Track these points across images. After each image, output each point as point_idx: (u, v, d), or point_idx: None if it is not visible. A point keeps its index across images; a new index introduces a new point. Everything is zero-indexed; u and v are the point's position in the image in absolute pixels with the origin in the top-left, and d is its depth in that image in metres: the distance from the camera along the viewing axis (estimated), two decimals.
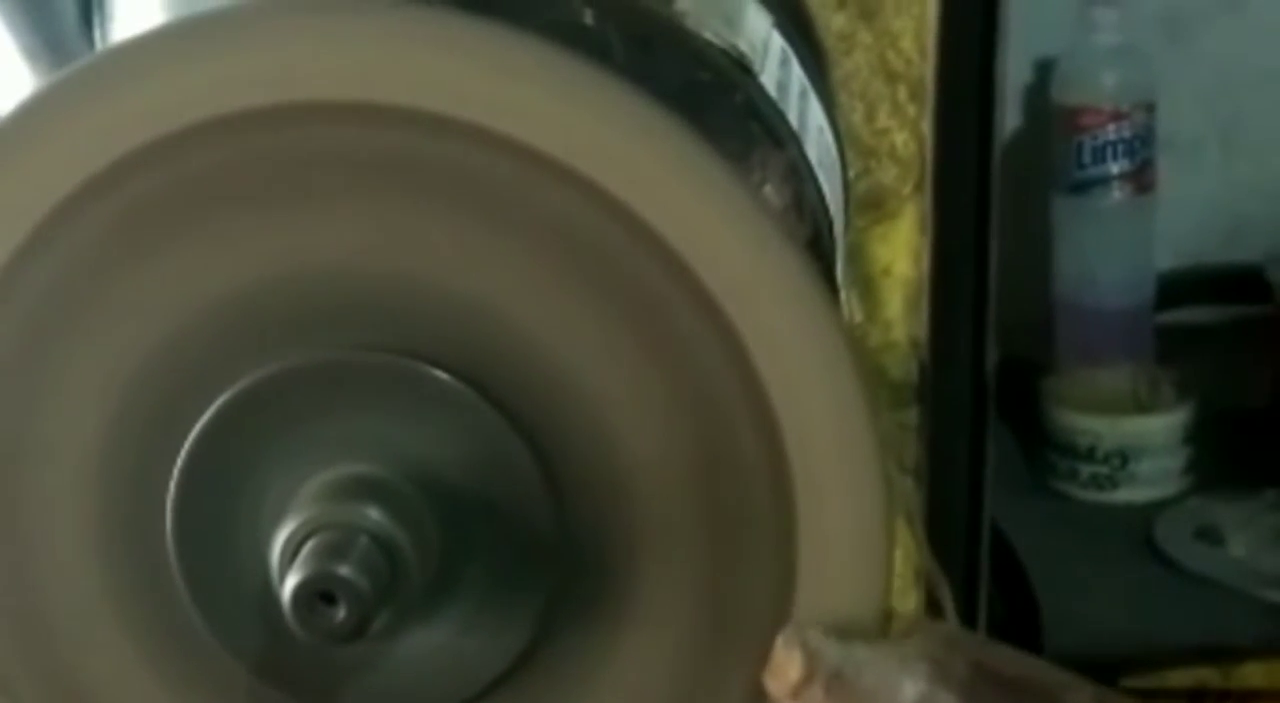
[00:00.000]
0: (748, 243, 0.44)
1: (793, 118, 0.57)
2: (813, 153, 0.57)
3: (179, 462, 0.46)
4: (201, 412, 0.46)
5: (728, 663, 0.47)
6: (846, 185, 0.65)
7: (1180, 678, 1.19)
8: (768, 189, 0.53)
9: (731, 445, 0.45)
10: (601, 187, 0.44)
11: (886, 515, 0.46)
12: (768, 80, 0.56)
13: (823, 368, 0.45)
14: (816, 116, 0.60)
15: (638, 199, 0.44)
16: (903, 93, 0.93)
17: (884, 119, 0.94)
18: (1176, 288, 1.45)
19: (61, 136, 0.45)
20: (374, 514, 0.44)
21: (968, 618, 1.00)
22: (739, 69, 0.54)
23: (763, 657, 0.46)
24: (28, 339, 0.46)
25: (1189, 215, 1.47)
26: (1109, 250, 1.41)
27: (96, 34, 0.80)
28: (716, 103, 0.53)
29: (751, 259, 0.44)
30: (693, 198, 0.44)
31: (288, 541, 0.44)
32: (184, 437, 0.46)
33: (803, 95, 0.59)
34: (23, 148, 0.45)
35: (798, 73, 0.59)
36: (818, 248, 0.55)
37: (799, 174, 0.55)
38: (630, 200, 0.44)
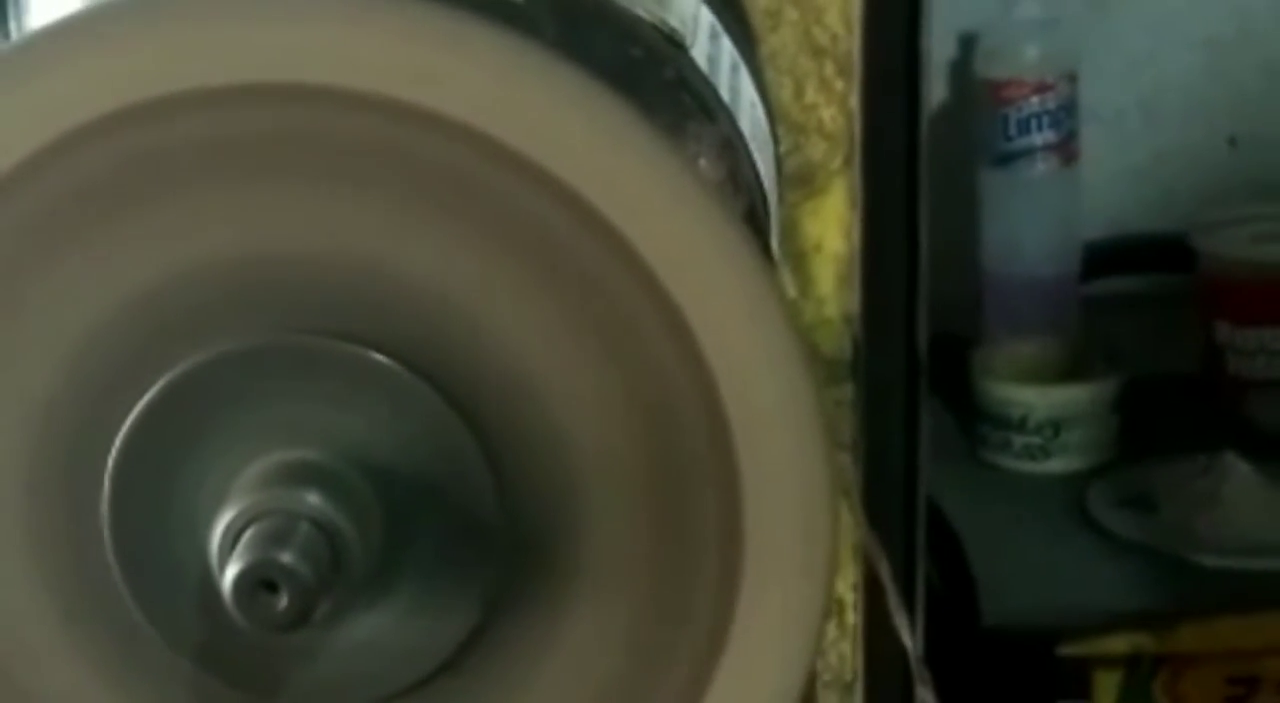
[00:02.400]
0: (687, 216, 0.44)
1: (724, 92, 0.57)
2: (746, 127, 0.57)
3: (113, 451, 0.45)
4: (135, 400, 0.45)
5: (674, 644, 0.47)
6: (779, 160, 0.65)
7: (1116, 644, 1.20)
8: (702, 163, 0.52)
9: (674, 424, 0.45)
10: (540, 164, 0.43)
11: (832, 497, 0.46)
12: (699, 55, 0.56)
13: (765, 343, 0.44)
14: (748, 91, 0.59)
15: (575, 175, 0.44)
16: (830, 68, 0.93)
17: (811, 94, 0.94)
18: (1102, 258, 1.47)
19: None
20: (314, 500, 0.44)
21: (905, 592, 1.01)
22: (670, 44, 0.54)
23: (708, 636, 0.46)
24: None
25: (1113, 186, 1.48)
26: (1035, 222, 1.42)
27: (12, 24, 0.79)
28: (649, 78, 0.52)
29: (691, 233, 0.44)
30: (631, 172, 0.44)
31: (227, 529, 0.43)
32: (118, 426, 0.45)
33: (734, 70, 0.59)
34: None
35: (728, 47, 0.59)
36: (753, 222, 0.54)
37: (733, 148, 0.54)
38: (568, 176, 0.43)
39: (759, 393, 0.45)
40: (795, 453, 0.45)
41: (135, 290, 0.45)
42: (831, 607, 0.47)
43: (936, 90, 1.41)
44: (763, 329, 0.45)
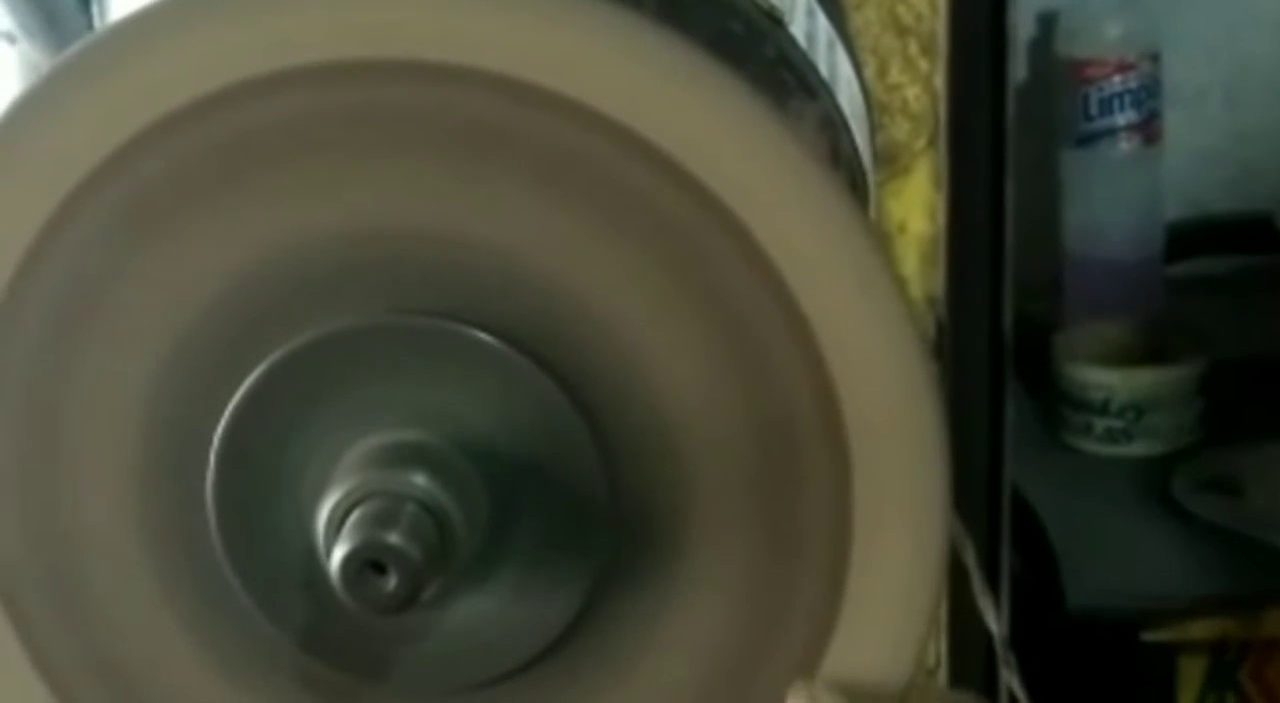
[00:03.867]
0: (798, 192, 0.43)
1: (823, 68, 0.56)
2: (844, 104, 0.56)
3: (219, 432, 0.45)
4: (240, 382, 0.45)
5: (782, 621, 0.46)
6: (874, 135, 0.64)
7: (1201, 630, 1.19)
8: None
9: (785, 408, 0.45)
10: (645, 137, 0.43)
11: (945, 486, 0.45)
12: (797, 31, 0.55)
13: (875, 315, 0.44)
14: (845, 68, 0.59)
15: (683, 150, 0.43)
16: (914, 47, 0.93)
17: (896, 74, 0.93)
18: (1185, 239, 1.45)
19: (87, 107, 0.44)
20: (421, 481, 0.43)
21: (989, 577, 1.00)
22: (769, 19, 0.54)
23: (818, 614, 0.46)
24: (57, 321, 0.46)
25: (1196, 165, 1.46)
26: (1117, 203, 1.40)
27: (95, 10, 0.79)
28: (750, 53, 0.52)
29: (802, 209, 0.43)
30: (741, 146, 0.43)
31: (333, 510, 0.43)
32: (223, 407, 0.45)
33: (830, 46, 0.58)
34: (46, 123, 0.44)
35: (824, 23, 0.58)
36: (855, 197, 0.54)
37: (834, 124, 0.54)
38: (676, 151, 0.43)
39: (868, 364, 0.44)
40: (905, 425, 0.45)
41: (241, 270, 0.45)
42: (943, 584, 0.47)
43: (1017, 70, 1.39)
44: (872, 301, 0.44)
